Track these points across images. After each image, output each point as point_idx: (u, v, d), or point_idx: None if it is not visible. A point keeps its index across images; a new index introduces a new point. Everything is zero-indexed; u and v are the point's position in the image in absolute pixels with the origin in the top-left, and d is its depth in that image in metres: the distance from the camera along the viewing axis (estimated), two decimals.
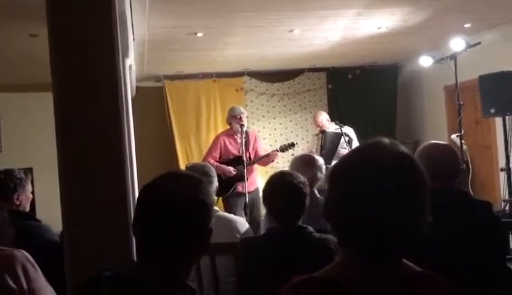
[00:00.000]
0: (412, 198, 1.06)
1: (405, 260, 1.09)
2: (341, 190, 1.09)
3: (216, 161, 5.49)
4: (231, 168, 5.45)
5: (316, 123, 6.09)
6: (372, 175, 1.05)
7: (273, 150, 5.59)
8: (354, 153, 1.16)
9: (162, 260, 1.27)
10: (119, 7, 2.38)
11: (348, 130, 5.85)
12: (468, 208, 1.88)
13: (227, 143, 5.61)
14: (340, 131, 5.65)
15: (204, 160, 5.57)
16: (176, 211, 1.26)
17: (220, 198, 5.58)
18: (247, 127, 5.71)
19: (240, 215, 4.96)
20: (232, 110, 5.66)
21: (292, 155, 5.99)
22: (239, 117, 5.48)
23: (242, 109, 5.71)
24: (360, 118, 7.43)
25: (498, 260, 1.78)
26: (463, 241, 1.76)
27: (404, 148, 1.10)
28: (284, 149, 5.55)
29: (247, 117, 5.87)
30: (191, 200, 1.28)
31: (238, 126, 5.38)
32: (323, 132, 5.83)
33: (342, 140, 5.61)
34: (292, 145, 5.61)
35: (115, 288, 1.26)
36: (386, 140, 1.10)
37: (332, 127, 5.89)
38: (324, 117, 6.04)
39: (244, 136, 5.34)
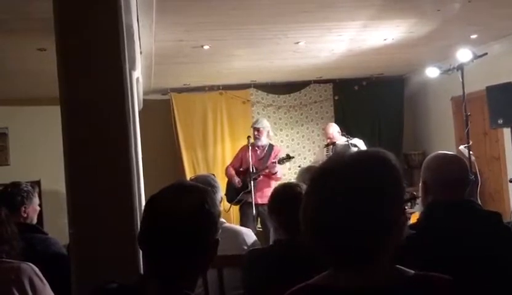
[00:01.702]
0: (383, 198, 1.06)
1: (399, 266, 1.09)
2: (310, 198, 1.12)
3: (235, 170, 5.81)
4: (237, 180, 5.68)
5: (326, 134, 6.10)
6: (334, 178, 1.08)
7: (272, 162, 5.68)
8: (320, 165, 1.19)
9: (167, 272, 1.26)
10: (126, 21, 2.40)
11: (358, 142, 5.85)
12: (478, 219, 1.86)
13: (247, 154, 5.76)
14: (349, 144, 5.67)
15: (227, 168, 5.99)
16: (182, 222, 1.26)
17: (237, 207, 5.87)
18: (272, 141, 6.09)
19: (250, 226, 5.09)
20: (254, 122, 6.03)
21: (299, 166, 6.02)
22: (255, 131, 5.78)
23: (259, 123, 5.84)
24: (367, 129, 7.44)
25: (509, 271, 1.75)
26: (473, 251, 1.74)
27: (374, 149, 1.13)
28: (280, 161, 5.66)
29: (266, 130, 5.94)
30: (196, 211, 1.28)
31: (253, 138, 5.72)
32: (333, 144, 5.86)
33: None
34: (289, 157, 5.67)
35: None
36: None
37: (342, 140, 5.90)
38: (335, 129, 6.04)
39: (265, 148, 5.73)
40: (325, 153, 5.99)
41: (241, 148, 6.03)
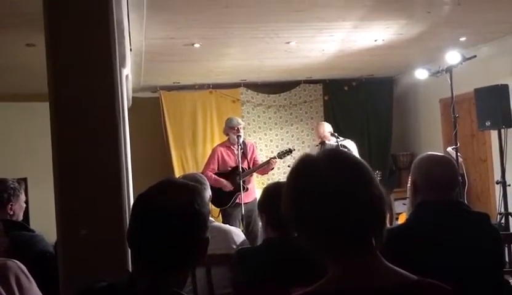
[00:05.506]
0: (374, 181, 1.11)
1: (397, 268, 1.09)
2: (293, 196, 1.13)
3: (214, 174, 5.52)
4: (228, 184, 5.45)
5: (318, 133, 5.99)
6: (313, 176, 1.12)
7: (271, 158, 5.61)
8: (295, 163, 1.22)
9: (156, 270, 1.25)
10: (117, 17, 2.38)
11: (348, 143, 5.81)
12: (468, 219, 1.88)
13: (224, 155, 5.63)
14: (339, 145, 5.62)
15: (202, 173, 5.46)
16: (171, 221, 1.25)
17: (218, 210, 5.59)
18: (244, 138, 5.74)
19: (236, 226, 4.96)
20: (229, 121, 5.71)
21: (288, 166, 5.99)
22: (236, 128, 5.54)
23: (240, 120, 5.75)
24: (357, 130, 7.47)
25: (497, 272, 1.77)
26: (463, 252, 1.75)
27: (341, 149, 1.17)
28: (281, 155, 5.57)
29: (244, 128, 5.89)
30: (185, 210, 1.27)
31: (235, 137, 5.44)
32: (323, 143, 5.81)
33: None
34: (290, 151, 5.61)
35: None
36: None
37: (332, 140, 5.81)
38: (326, 129, 5.92)
39: (241, 146, 5.42)
40: (315, 153, 5.91)
41: (213, 150, 5.78)
